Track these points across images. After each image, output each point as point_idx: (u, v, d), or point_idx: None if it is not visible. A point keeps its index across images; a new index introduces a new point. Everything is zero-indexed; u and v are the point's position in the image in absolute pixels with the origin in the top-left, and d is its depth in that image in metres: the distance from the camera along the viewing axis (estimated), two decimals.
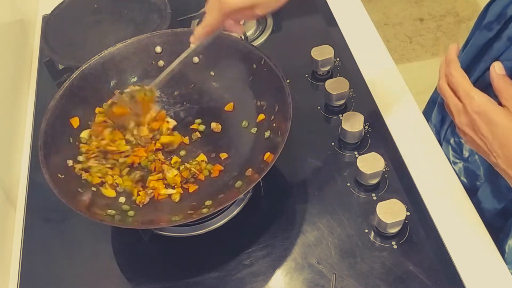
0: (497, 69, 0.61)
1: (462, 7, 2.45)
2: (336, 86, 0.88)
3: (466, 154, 0.82)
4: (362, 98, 0.91)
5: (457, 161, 0.84)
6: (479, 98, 0.61)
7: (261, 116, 0.80)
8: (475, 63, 0.73)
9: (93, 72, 0.82)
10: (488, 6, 0.76)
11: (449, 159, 0.84)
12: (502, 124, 0.59)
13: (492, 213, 0.76)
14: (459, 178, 0.81)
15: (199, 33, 0.69)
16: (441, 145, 0.87)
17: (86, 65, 0.81)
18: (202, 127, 0.83)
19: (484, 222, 0.74)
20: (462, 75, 0.63)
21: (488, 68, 0.65)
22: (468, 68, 0.73)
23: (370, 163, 0.77)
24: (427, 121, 0.89)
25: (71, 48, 1.03)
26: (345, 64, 0.97)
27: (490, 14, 0.73)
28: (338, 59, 0.98)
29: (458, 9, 2.45)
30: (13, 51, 1.04)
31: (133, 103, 0.76)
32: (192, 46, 0.72)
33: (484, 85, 0.63)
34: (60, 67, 1.04)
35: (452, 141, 0.85)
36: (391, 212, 0.71)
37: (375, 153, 0.78)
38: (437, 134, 0.89)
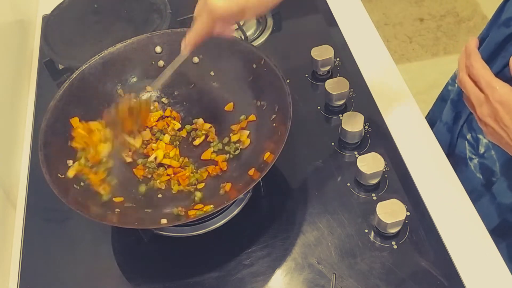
0: None
1: (462, 7, 2.45)
2: (336, 86, 0.88)
3: (482, 150, 0.82)
4: (362, 98, 0.91)
5: (473, 157, 0.84)
6: (501, 88, 0.61)
7: (252, 117, 0.80)
8: (492, 59, 0.73)
9: (93, 72, 0.82)
10: (504, 3, 0.76)
11: (465, 155, 0.83)
12: None
13: (508, 208, 0.76)
14: (475, 174, 0.81)
15: (190, 41, 0.69)
16: (454, 142, 0.87)
17: (86, 65, 0.81)
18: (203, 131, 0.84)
19: (499, 218, 0.74)
20: (483, 66, 0.63)
21: (506, 65, 0.65)
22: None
23: (370, 163, 0.77)
24: (437, 120, 0.89)
25: (71, 48, 1.03)
26: (345, 64, 0.97)
27: (508, 11, 0.73)
28: (338, 59, 0.98)
29: (458, 9, 2.45)
30: (13, 51, 1.04)
31: (129, 115, 0.75)
32: (184, 53, 0.71)
33: (503, 80, 0.63)
34: (60, 67, 1.04)
35: (469, 136, 0.84)
36: (391, 212, 0.71)
37: (375, 153, 0.78)
38: (449, 132, 0.89)
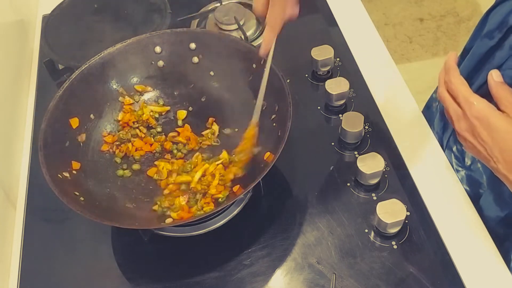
0: (494, 76, 0.61)
1: (462, 7, 2.45)
2: (336, 86, 0.88)
3: (468, 162, 0.81)
4: (362, 98, 0.91)
5: (460, 169, 0.84)
6: (479, 103, 0.60)
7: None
8: (476, 71, 0.72)
9: (93, 72, 0.82)
10: (487, 14, 0.75)
11: (452, 167, 0.83)
12: (502, 129, 0.58)
13: (495, 221, 0.76)
14: (462, 186, 0.81)
15: (270, 38, 0.68)
16: (444, 153, 0.87)
17: (86, 65, 0.81)
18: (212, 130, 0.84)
19: (487, 230, 0.74)
20: (461, 82, 0.63)
21: None
22: (469, 77, 0.73)
23: (370, 163, 0.77)
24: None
25: (71, 48, 1.03)
26: (345, 64, 0.97)
27: (490, 22, 0.72)
28: (338, 59, 0.98)
29: (458, 9, 2.45)
30: (13, 51, 1.03)
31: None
32: (270, 55, 0.70)
33: (486, 93, 0.62)
34: (60, 67, 1.04)
35: (454, 148, 0.84)
36: (391, 212, 0.71)
37: (375, 153, 0.78)
38: (440, 141, 0.89)
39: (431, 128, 0.87)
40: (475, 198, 0.79)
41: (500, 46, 0.70)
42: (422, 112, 0.99)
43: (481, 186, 0.80)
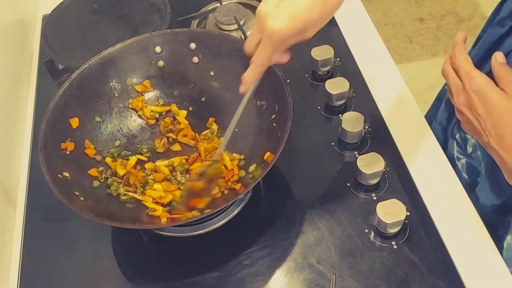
0: (498, 58, 0.62)
1: (462, 7, 2.45)
2: (336, 86, 0.88)
3: (469, 149, 0.82)
4: (362, 98, 0.91)
5: (461, 157, 0.84)
6: (478, 77, 0.62)
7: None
8: (486, 58, 0.73)
9: (93, 72, 0.82)
10: (502, 2, 0.76)
11: (453, 156, 0.84)
12: (497, 104, 0.60)
13: (490, 209, 0.76)
14: (461, 174, 0.81)
15: (251, 78, 0.65)
16: (447, 142, 0.87)
17: (86, 65, 0.81)
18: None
19: (481, 218, 0.74)
20: (465, 57, 0.64)
21: None
22: (478, 64, 0.74)
23: (370, 163, 0.77)
24: (433, 120, 0.89)
25: (71, 48, 1.03)
26: (345, 64, 0.97)
27: (504, 10, 0.73)
28: (338, 59, 0.98)
29: (458, 9, 2.45)
30: (13, 51, 1.03)
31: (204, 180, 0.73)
32: (248, 93, 0.67)
33: (494, 79, 0.64)
34: (60, 67, 1.04)
35: (457, 136, 0.85)
36: (391, 212, 0.71)
37: (375, 153, 0.78)
38: (444, 132, 0.89)
39: (434, 120, 0.87)
40: (472, 186, 0.80)
41: (510, 34, 0.70)
42: (432, 104, 1.00)
43: (479, 174, 0.80)
